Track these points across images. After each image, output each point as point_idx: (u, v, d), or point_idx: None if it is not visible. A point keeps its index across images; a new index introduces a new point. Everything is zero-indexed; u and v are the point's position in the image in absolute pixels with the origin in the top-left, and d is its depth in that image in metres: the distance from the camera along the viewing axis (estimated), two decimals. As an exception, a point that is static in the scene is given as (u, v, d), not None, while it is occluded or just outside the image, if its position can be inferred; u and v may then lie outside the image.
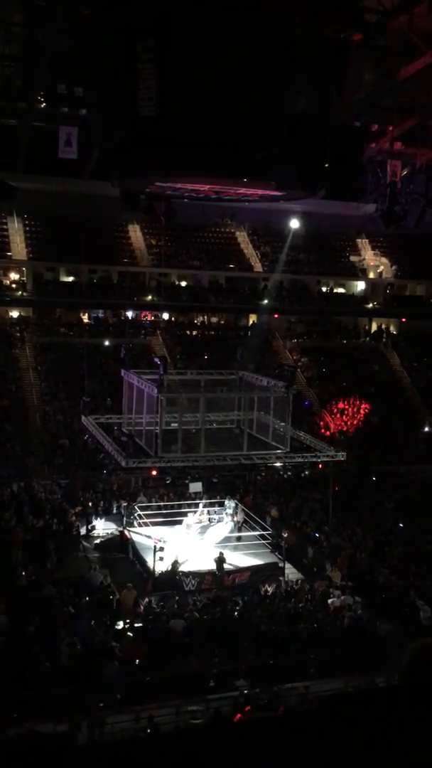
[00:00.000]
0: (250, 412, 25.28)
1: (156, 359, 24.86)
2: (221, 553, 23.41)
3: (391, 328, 49.94)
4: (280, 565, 24.19)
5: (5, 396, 36.22)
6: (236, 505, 27.64)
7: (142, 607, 20.47)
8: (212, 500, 28.49)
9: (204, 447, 22.92)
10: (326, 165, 12.14)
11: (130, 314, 43.91)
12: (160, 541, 23.02)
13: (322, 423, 37.91)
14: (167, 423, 22.92)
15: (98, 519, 27.82)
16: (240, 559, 24.72)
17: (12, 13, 27.30)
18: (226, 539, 25.86)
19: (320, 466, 27.03)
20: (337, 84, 12.11)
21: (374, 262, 50.41)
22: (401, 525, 29.30)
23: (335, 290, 50.49)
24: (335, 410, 39.44)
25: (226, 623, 19.70)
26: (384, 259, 50.46)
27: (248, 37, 10.77)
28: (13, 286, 42.62)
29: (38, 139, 33.67)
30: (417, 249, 48.18)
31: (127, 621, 19.43)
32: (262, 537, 26.16)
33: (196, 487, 28.68)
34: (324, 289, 49.81)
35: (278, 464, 26.40)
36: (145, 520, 26.62)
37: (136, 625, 19.21)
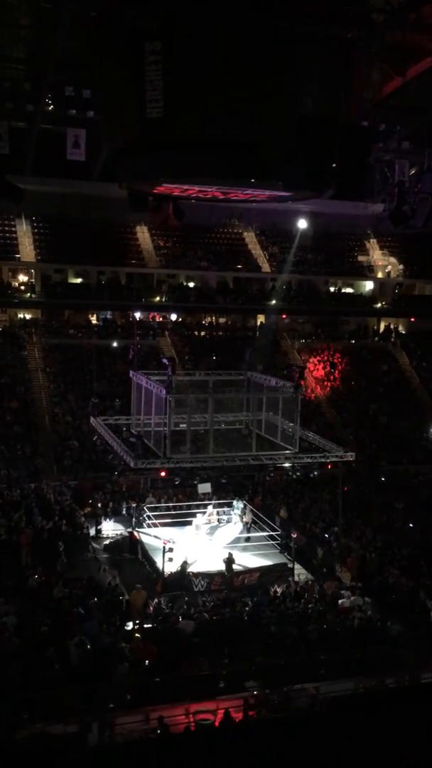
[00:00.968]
0: (259, 413, 25.27)
1: (164, 360, 24.89)
2: (230, 554, 23.40)
3: (400, 328, 49.80)
4: (290, 565, 24.17)
5: (14, 398, 36.35)
6: (245, 505, 27.63)
7: (151, 608, 20.49)
8: (221, 501, 28.50)
9: (213, 448, 22.93)
10: (334, 165, 12.11)
11: (138, 315, 43.98)
12: (169, 542, 23.04)
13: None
14: (176, 424, 22.94)
15: (107, 520, 27.89)
16: (249, 559, 24.70)
17: (19, 16, 27.40)
18: (236, 540, 25.86)
19: (329, 466, 27.02)
20: (345, 84, 12.10)
21: (383, 261, 50.29)
22: (411, 525, 29.20)
23: (343, 290, 50.41)
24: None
25: (235, 624, 19.69)
26: (392, 259, 50.33)
27: (255, 38, 10.76)
28: (22, 287, 42.76)
29: (46, 142, 33.82)
30: (425, 248, 48.00)
31: (137, 622, 19.45)
32: (271, 538, 26.14)
33: (205, 488, 28.70)
34: (332, 289, 49.72)
35: (287, 465, 26.38)
36: (154, 521, 26.64)
37: (145, 625, 19.23)
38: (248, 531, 26.70)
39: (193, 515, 26.98)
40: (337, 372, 43.90)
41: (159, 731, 13.75)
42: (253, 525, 26.99)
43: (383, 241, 51.01)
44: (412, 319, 49.60)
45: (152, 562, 23.80)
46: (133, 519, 27.10)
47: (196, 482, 29.75)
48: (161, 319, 45.37)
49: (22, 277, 43.51)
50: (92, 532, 26.75)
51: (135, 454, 22.76)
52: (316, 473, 32.95)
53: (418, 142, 29.77)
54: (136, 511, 27.32)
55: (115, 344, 41.30)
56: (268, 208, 42.80)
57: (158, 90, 10.53)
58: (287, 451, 23.94)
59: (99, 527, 27.24)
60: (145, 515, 27.02)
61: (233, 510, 27.50)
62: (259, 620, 19.98)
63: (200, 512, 27.03)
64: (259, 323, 47.35)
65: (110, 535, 27.14)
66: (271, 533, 26.29)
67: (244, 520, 26.86)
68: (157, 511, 27.62)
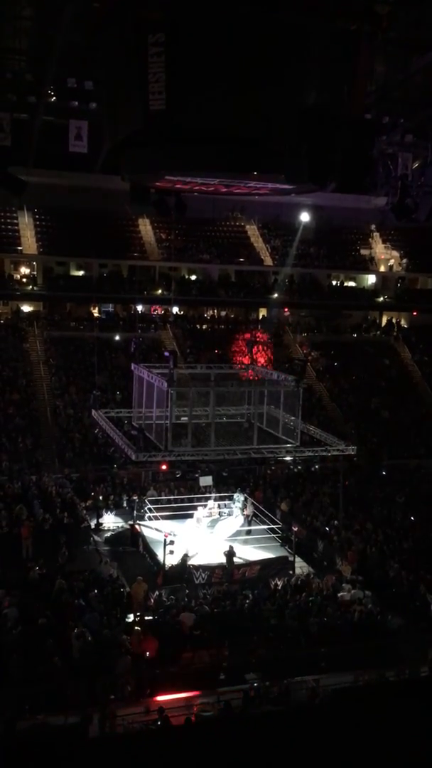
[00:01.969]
0: (260, 406, 25.27)
1: (166, 353, 24.87)
2: (231, 547, 23.45)
3: (402, 322, 49.73)
4: (290, 559, 24.22)
5: (16, 390, 36.38)
6: (246, 498, 27.67)
7: (152, 601, 20.55)
8: (222, 494, 28.54)
9: (214, 441, 22.92)
10: (336, 158, 12.05)
11: (140, 308, 43.95)
12: (170, 534, 23.09)
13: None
14: (177, 417, 22.93)
15: (108, 513, 27.94)
16: (250, 552, 24.76)
17: (22, 7, 27.30)
18: (237, 533, 25.91)
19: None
20: (348, 77, 12.04)
21: (385, 255, 50.18)
22: (412, 519, 29.24)
23: (346, 284, 50.32)
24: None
25: (236, 617, 19.75)
26: (395, 253, 50.22)
27: (258, 31, 10.71)
28: (24, 280, 42.74)
29: (48, 133, 33.75)
30: (428, 242, 47.89)
31: (138, 614, 19.51)
32: (272, 531, 26.18)
33: (206, 481, 28.71)
34: (334, 282, 49.63)
35: (288, 458, 26.38)
36: (155, 514, 26.69)
37: (146, 618, 19.29)
38: (249, 524, 26.75)
39: (195, 508, 27.02)
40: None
41: (159, 723, 13.81)
42: (254, 518, 27.04)
43: (386, 235, 50.89)
44: (414, 313, 49.52)
45: (153, 555, 23.86)
46: (134, 512, 27.15)
47: (197, 475, 29.79)
48: (163, 312, 45.34)
49: (24, 270, 43.49)
50: (93, 524, 26.82)
51: (136, 446, 22.77)
52: (317, 467, 32.98)
53: (422, 135, 29.70)
54: (137, 504, 27.37)
55: (116, 337, 41.31)
56: (271, 201, 42.68)
57: (161, 82, 10.49)
58: (288, 445, 23.92)
59: (100, 520, 27.30)
60: (146, 508, 27.07)
61: (234, 503, 27.54)
62: (259, 613, 20.04)
63: (201, 505, 27.07)
64: (261, 316, 47.31)
65: (111, 528, 27.20)
66: (272, 526, 26.33)
67: (245, 513, 26.89)
68: (158, 504, 27.67)
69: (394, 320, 49.48)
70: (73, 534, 24.93)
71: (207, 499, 27.66)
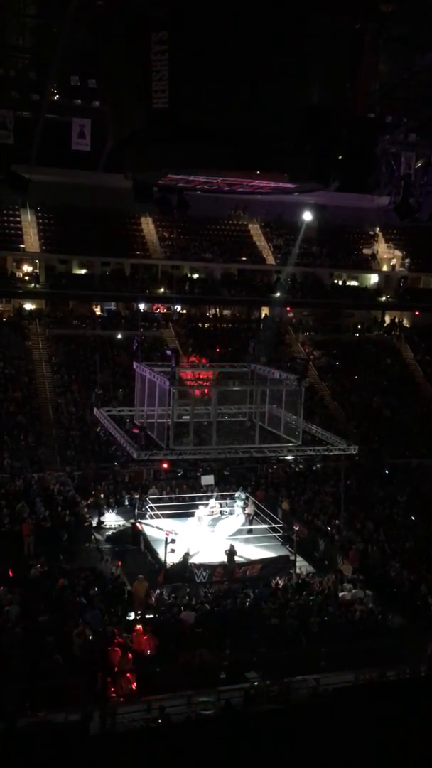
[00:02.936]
0: (262, 405, 25.27)
1: (168, 351, 24.89)
2: (232, 546, 23.46)
3: (405, 322, 49.69)
4: (291, 558, 24.22)
5: (18, 388, 36.41)
6: (247, 497, 27.67)
7: (153, 599, 20.57)
8: (224, 493, 28.54)
9: (216, 440, 22.94)
10: (340, 157, 12.04)
11: (142, 307, 43.95)
12: (171, 533, 23.11)
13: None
14: (179, 415, 22.95)
15: (110, 511, 27.97)
16: (251, 551, 24.77)
17: (25, 4, 27.23)
18: (238, 532, 25.91)
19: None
20: (352, 75, 12.02)
21: (387, 254, 50.13)
22: (413, 518, 29.22)
23: (348, 283, 50.28)
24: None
25: (237, 616, 19.76)
26: (397, 252, 50.17)
27: (262, 29, 10.69)
28: (26, 278, 42.76)
29: (51, 131, 33.69)
30: (431, 242, 47.85)
31: (139, 612, 19.53)
32: (274, 530, 26.19)
33: (207, 480, 28.71)
34: (337, 282, 49.60)
35: (290, 457, 26.36)
36: (157, 513, 26.71)
37: (147, 616, 19.31)
38: (251, 523, 26.74)
39: (196, 507, 27.03)
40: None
41: (160, 720, 13.82)
42: (255, 517, 27.04)
43: (388, 234, 50.84)
44: (417, 313, 49.47)
45: (155, 553, 23.87)
46: (136, 510, 27.17)
47: (198, 474, 29.79)
48: (165, 310, 45.33)
49: (27, 268, 43.51)
50: (95, 522, 26.84)
51: (138, 445, 22.79)
52: (318, 466, 32.95)
53: (425, 134, 29.64)
54: (139, 503, 27.39)
55: (119, 335, 41.34)
56: (274, 199, 42.69)
57: (164, 80, 10.48)
58: (290, 444, 23.93)
59: (101, 518, 27.32)
60: (147, 506, 27.08)
61: (235, 502, 27.54)
62: (260, 612, 20.05)
63: (203, 504, 27.08)
64: (263, 315, 47.29)
65: (113, 526, 27.21)
66: (274, 525, 26.33)
67: (247, 511, 26.90)
68: (159, 502, 27.68)
69: (396, 320, 49.44)
70: (74, 532, 24.96)
71: (208, 498, 27.67)
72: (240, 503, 27.31)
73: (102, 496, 28.85)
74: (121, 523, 27.36)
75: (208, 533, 25.60)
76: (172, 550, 22.70)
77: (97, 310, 44.94)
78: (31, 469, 30.42)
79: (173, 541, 22.82)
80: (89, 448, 33.09)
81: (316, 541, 26.23)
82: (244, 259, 46.70)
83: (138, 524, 26.14)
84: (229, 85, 10.70)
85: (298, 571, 23.68)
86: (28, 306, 42.89)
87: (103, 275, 44.27)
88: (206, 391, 23.08)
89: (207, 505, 27.03)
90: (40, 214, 43.70)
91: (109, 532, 26.75)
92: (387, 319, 49.65)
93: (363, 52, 11.95)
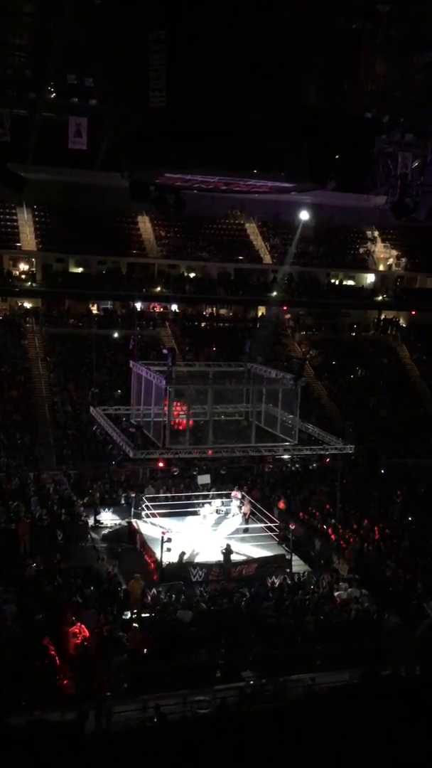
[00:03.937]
0: (259, 404, 25.27)
1: (165, 350, 24.87)
2: (228, 545, 23.46)
3: (401, 321, 49.75)
4: (287, 557, 24.24)
5: (14, 386, 36.37)
6: (243, 496, 27.69)
7: (149, 598, 20.57)
8: (221, 492, 28.55)
9: (212, 439, 22.93)
10: (337, 156, 12.04)
11: (139, 306, 43.93)
12: (167, 532, 23.11)
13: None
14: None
15: (106, 510, 27.94)
16: (247, 550, 24.77)
17: (23, 2, 27.21)
18: (234, 531, 25.93)
19: (327, 460, 27.03)
20: (349, 75, 12.02)
21: (384, 254, 50.19)
22: (409, 518, 29.27)
23: (345, 283, 50.32)
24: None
25: (233, 615, 19.77)
26: (394, 252, 50.23)
27: (260, 28, 10.68)
28: (23, 276, 42.70)
29: (48, 130, 33.65)
30: (427, 241, 47.93)
31: (135, 611, 19.53)
32: (270, 529, 26.20)
33: (204, 479, 28.74)
34: (333, 281, 49.63)
35: (286, 456, 26.39)
36: (153, 512, 26.71)
37: (143, 615, 19.30)
38: (247, 522, 26.76)
39: (193, 506, 27.03)
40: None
41: (156, 720, 13.83)
42: (251, 516, 27.05)
43: (385, 234, 50.89)
44: (413, 313, 49.53)
45: (151, 552, 23.86)
46: (132, 509, 27.16)
47: (195, 473, 29.80)
48: (162, 309, 45.32)
49: (23, 266, 43.45)
50: (91, 521, 26.82)
51: (134, 444, 22.78)
52: (314, 465, 32.99)
53: (422, 134, 29.69)
54: (135, 502, 27.38)
55: (115, 334, 41.30)
56: (270, 199, 42.66)
57: (161, 79, 10.45)
58: (286, 443, 23.94)
59: (98, 517, 27.31)
60: (143, 505, 27.08)
61: (231, 501, 27.54)
62: (256, 611, 20.06)
63: (207, 502, 27.05)
64: (259, 315, 47.30)
65: (109, 525, 27.21)
66: (270, 525, 26.35)
67: (243, 510, 26.91)
68: (155, 501, 27.68)
69: (393, 319, 49.49)
70: (70, 531, 24.95)
71: (206, 496, 27.67)
72: (236, 502, 27.33)
73: (98, 494, 28.82)
74: (118, 522, 27.35)
75: (210, 532, 25.59)
76: (169, 549, 22.71)
77: (94, 309, 44.91)
78: (27, 468, 30.39)
79: (169, 540, 22.83)
80: (85, 447, 33.07)
81: (312, 540, 26.25)
82: (240, 258, 46.71)
83: (134, 523, 26.13)
84: (226, 84, 10.69)
85: (294, 570, 23.70)
86: (25, 304, 42.82)
87: (99, 274, 44.23)
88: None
89: (211, 503, 27.04)
90: (36, 213, 43.63)
91: (106, 531, 26.73)
92: (383, 319, 49.66)
93: (360, 52, 11.96)
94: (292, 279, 47.18)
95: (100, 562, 22.90)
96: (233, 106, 10.83)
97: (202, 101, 10.78)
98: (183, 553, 23.02)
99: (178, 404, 22.22)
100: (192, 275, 46.50)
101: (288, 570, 23.58)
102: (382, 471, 35.20)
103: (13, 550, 23.11)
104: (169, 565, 22.64)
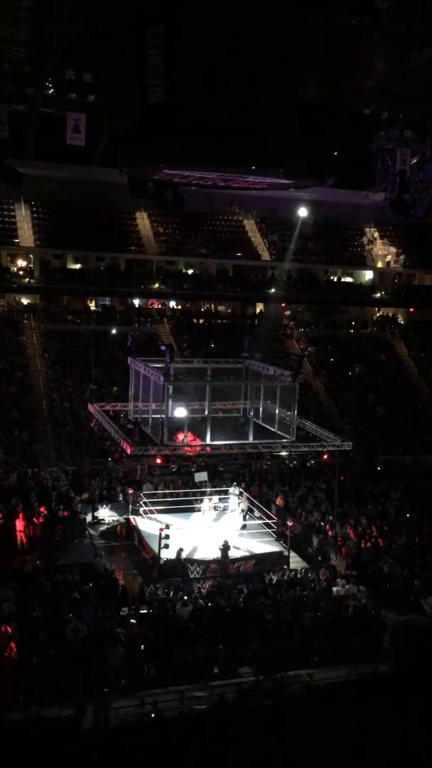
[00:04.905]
0: (257, 401, 25.27)
1: (163, 347, 24.87)
2: (226, 541, 23.47)
3: (399, 318, 49.75)
4: (285, 553, 24.25)
5: (12, 383, 36.34)
6: (240, 493, 27.70)
7: (147, 594, 20.59)
8: (218, 488, 28.56)
9: (210, 435, 22.94)
10: (335, 153, 12.04)
11: (137, 302, 43.89)
12: (165, 528, 23.12)
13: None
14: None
15: (104, 506, 27.95)
16: (245, 547, 24.78)
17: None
18: (233, 527, 25.92)
19: (325, 456, 27.03)
20: (348, 71, 12.01)
21: (383, 251, 50.15)
22: (407, 515, 29.30)
23: (343, 279, 50.29)
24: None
25: (230, 611, 19.80)
26: (392, 249, 50.19)
27: (258, 24, 10.67)
28: (21, 273, 42.64)
29: (46, 126, 33.53)
30: (426, 238, 47.88)
31: (133, 607, 19.54)
32: (267, 525, 26.22)
33: (201, 476, 28.73)
34: (332, 278, 49.61)
35: (284, 453, 26.40)
36: (150, 508, 26.71)
37: (141, 611, 19.32)
38: (244, 519, 26.77)
39: (190, 503, 27.03)
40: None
41: (153, 715, 13.85)
42: (249, 513, 27.07)
43: (384, 231, 50.85)
44: (411, 310, 49.53)
45: (149, 549, 23.86)
46: (130, 506, 27.15)
47: (192, 470, 29.78)
48: (160, 306, 45.27)
49: (21, 262, 43.39)
50: (89, 518, 26.83)
51: (132, 440, 22.78)
52: (312, 462, 33.00)
53: (421, 131, 29.58)
54: (133, 498, 27.38)
55: (113, 331, 41.26)
56: (269, 195, 42.51)
57: (160, 75, 10.44)
58: (284, 440, 23.95)
59: (96, 514, 27.31)
60: (141, 502, 27.08)
61: (229, 497, 27.56)
62: (254, 607, 20.09)
63: (208, 498, 27.05)
64: (258, 311, 47.27)
65: (107, 522, 27.21)
66: (267, 521, 26.37)
67: (241, 507, 26.92)
68: (153, 498, 27.68)
69: (391, 316, 49.49)
70: (68, 527, 24.95)
71: (203, 493, 27.68)
72: (234, 498, 27.34)
73: (96, 491, 28.82)
74: (116, 518, 27.35)
75: (210, 527, 25.58)
76: (166, 546, 22.72)
77: (92, 306, 44.86)
78: (25, 465, 30.37)
79: (167, 536, 22.84)
80: (83, 443, 33.06)
81: (310, 536, 26.28)
82: (239, 254, 46.65)
83: (132, 520, 26.14)
84: (225, 80, 10.67)
85: (291, 566, 23.72)
86: (23, 301, 42.77)
87: (97, 270, 44.16)
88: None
89: (212, 499, 27.04)
90: (34, 209, 43.54)
91: (103, 528, 26.74)
92: (381, 315, 49.66)
93: (359, 49, 11.93)
94: (290, 276, 47.14)
95: (98, 558, 22.91)
96: (232, 102, 10.82)
97: (201, 97, 10.77)
98: (181, 550, 23.03)
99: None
100: (190, 272, 46.46)
101: (286, 566, 23.60)
102: (380, 468, 35.22)
103: (11, 546, 23.11)
104: (167, 561, 22.65)
